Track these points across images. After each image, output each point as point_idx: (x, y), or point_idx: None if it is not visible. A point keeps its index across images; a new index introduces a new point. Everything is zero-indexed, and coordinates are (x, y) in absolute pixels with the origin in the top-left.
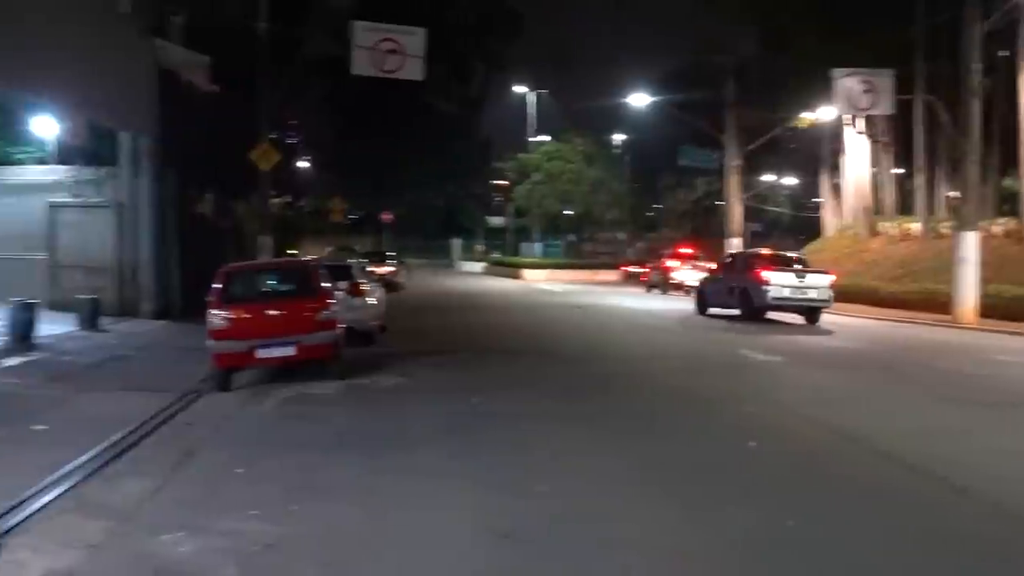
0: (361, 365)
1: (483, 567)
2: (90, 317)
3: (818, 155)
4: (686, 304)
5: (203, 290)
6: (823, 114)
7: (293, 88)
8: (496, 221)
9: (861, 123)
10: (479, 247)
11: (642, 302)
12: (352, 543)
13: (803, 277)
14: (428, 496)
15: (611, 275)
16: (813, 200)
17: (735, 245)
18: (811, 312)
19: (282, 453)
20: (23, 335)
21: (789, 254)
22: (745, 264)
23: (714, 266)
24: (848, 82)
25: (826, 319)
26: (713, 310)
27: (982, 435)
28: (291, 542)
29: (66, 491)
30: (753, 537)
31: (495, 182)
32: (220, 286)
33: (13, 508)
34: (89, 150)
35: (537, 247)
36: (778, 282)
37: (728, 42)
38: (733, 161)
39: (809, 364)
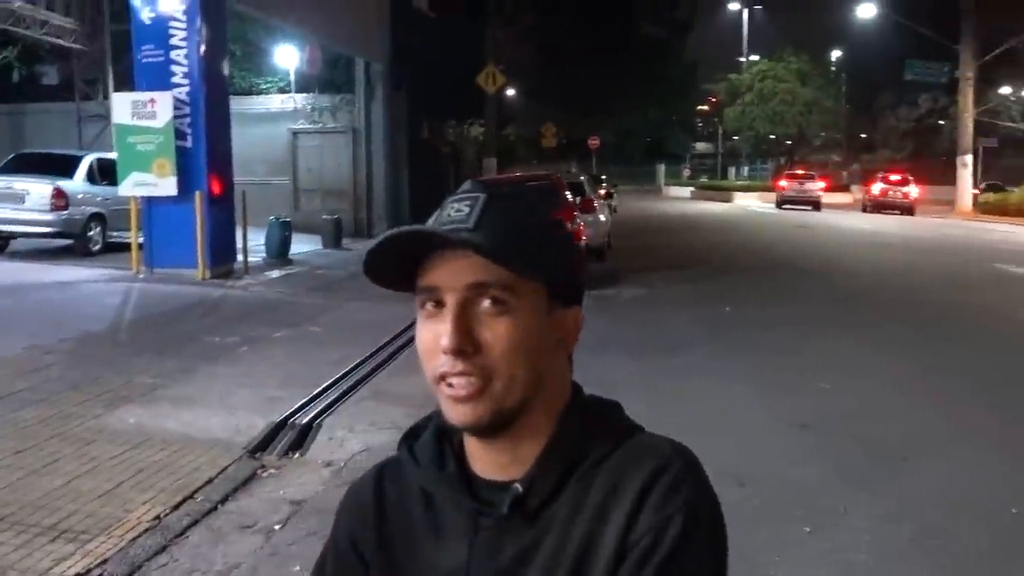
0: (600, 278)
1: (794, 448)
2: (334, 237)
3: None
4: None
5: (432, 211)
6: None
7: (504, 16)
8: (702, 147)
9: None
10: (686, 171)
11: (857, 220)
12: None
13: (803, 183)
14: (707, 391)
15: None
16: None
17: (967, 163)
18: (812, 204)
19: None
20: (282, 251)
21: (800, 171)
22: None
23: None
24: None
25: None
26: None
27: None
28: None
29: (360, 382)
30: None
31: (700, 107)
32: None
33: (319, 395)
34: (325, 78)
35: (746, 171)
36: (789, 187)
37: None
38: (967, 72)
39: None
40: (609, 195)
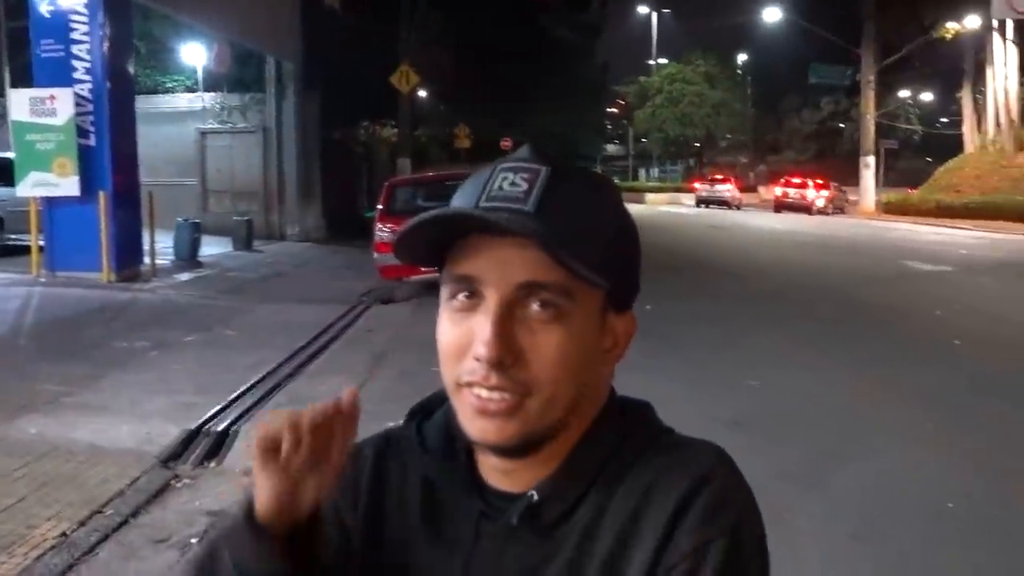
0: None
1: (729, 447)
2: (245, 238)
3: (958, 69)
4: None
5: (344, 213)
6: (969, 23)
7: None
8: (613, 148)
9: (1010, 31)
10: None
11: (769, 220)
12: None
13: (714, 185)
14: (635, 389)
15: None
16: (942, 120)
17: (870, 163)
18: (722, 204)
19: None
20: (191, 253)
21: (716, 176)
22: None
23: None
24: None
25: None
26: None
27: None
28: None
29: (277, 387)
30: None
31: (611, 109)
32: (386, 198)
33: (235, 400)
34: (234, 77)
35: (656, 172)
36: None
37: None
38: (869, 76)
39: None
40: None
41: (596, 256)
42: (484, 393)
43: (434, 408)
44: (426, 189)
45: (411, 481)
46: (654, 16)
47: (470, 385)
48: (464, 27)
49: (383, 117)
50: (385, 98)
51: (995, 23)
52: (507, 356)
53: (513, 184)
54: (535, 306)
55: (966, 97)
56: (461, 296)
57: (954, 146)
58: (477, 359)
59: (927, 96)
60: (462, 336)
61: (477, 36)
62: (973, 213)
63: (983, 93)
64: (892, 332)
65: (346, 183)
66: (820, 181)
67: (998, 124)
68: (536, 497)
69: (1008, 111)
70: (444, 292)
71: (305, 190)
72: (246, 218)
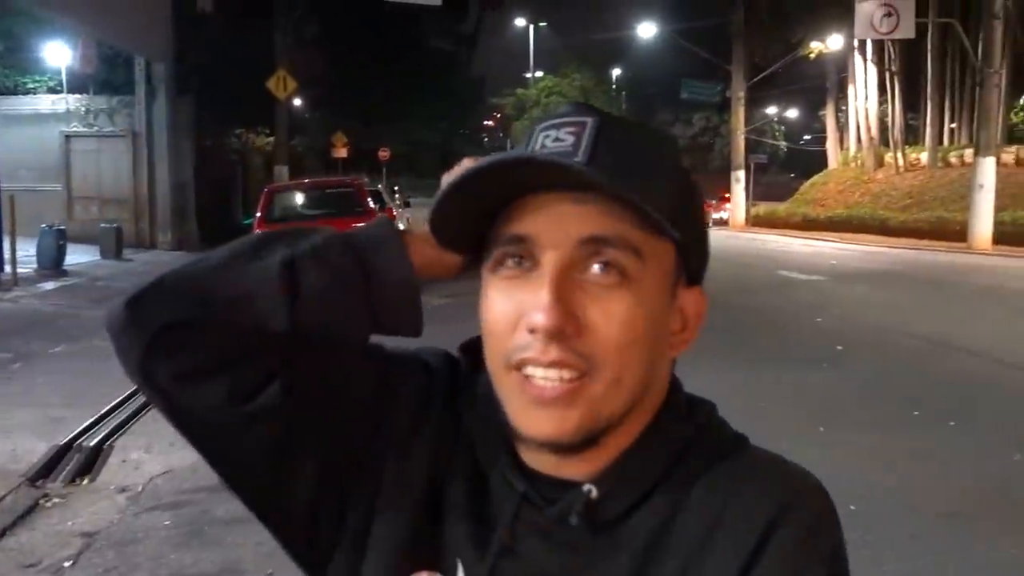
0: None
1: None
2: (114, 247)
3: (822, 87)
4: None
5: (218, 221)
6: (832, 43)
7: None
8: None
9: (870, 52)
10: None
11: None
12: None
13: None
14: None
15: None
16: (806, 137)
17: (740, 178)
18: None
19: None
20: (55, 261)
21: None
22: None
23: None
24: (868, 6)
25: (840, 249)
26: None
27: None
28: None
29: None
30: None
31: (487, 121)
32: (264, 205)
33: (109, 413)
34: (102, 78)
35: None
36: None
37: None
38: (739, 92)
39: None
40: (406, 204)
41: (663, 205)
42: (540, 373)
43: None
44: (307, 196)
45: (465, 439)
46: (531, 28)
47: (522, 366)
48: (341, 34)
49: (258, 124)
50: (260, 104)
51: (856, 43)
52: (568, 323)
53: (557, 140)
54: (597, 268)
55: (829, 115)
56: (510, 262)
57: (818, 162)
58: (532, 330)
59: (792, 113)
60: (512, 309)
61: (354, 44)
62: (837, 226)
63: (845, 111)
64: (778, 339)
65: (220, 190)
66: None
67: (859, 141)
68: (595, 493)
69: (868, 129)
70: (488, 263)
71: (178, 197)
72: (115, 225)
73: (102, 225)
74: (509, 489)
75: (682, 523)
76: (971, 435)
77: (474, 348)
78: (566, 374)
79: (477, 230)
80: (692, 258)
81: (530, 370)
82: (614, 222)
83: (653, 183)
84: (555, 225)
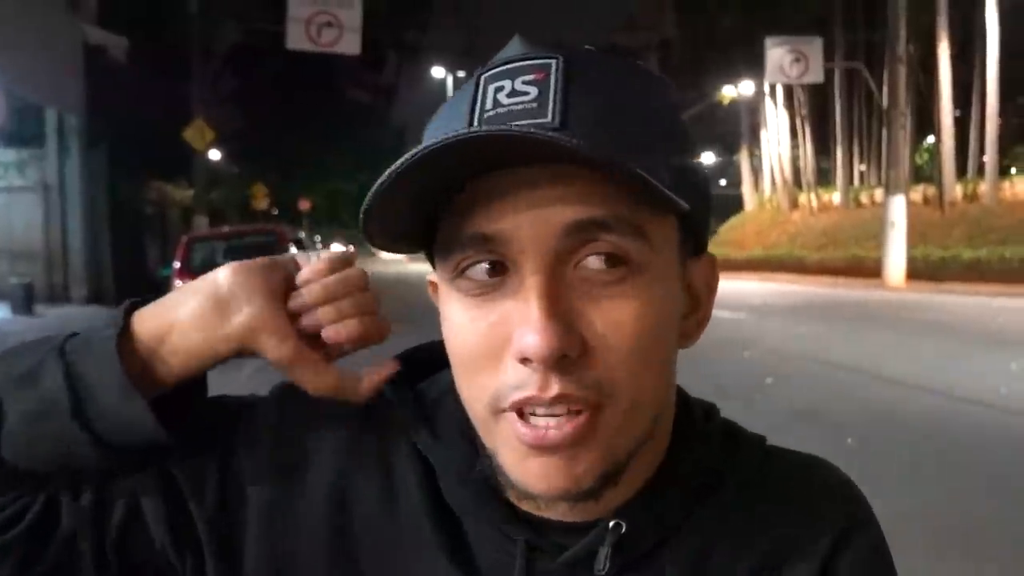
0: None
1: None
2: (24, 303)
3: (736, 132)
4: None
5: (135, 274)
6: (744, 89)
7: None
8: None
9: (780, 97)
10: None
11: None
12: None
13: None
14: None
15: None
16: (722, 181)
17: None
18: None
19: None
20: None
21: None
22: None
23: None
24: (777, 52)
25: (761, 288)
26: None
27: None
28: None
29: None
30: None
31: None
32: (183, 255)
33: None
34: (11, 130)
35: None
36: None
37: (648, 20)
38: None
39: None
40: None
41: (663, 168)
42: (540, 412)
43: (435, 368)
44: (227, 244)
45: (403, 466)
46: (449, 79)
47: (520, 409)
48: (258, 88)
49: (176, 176)
50: (177, 156)
51: (767, 88)
52: (570, 344)
53: (513, 93)
54: (594, 262)
55: (744, 159)
56: (479, 269)
57: (734, 205)
58: (523, 359)
59: (708, 158)
60: (490, 333)
61: (271, 98)
62: (756, 266)
63: (759, 155)
64: (709, 373)
65: (137, 243)
66: None
67: (774, 183)
68: (624, 528)
69: (782, 171)
70: (444, 275)
71: (92, 250)
72: (25, 280)
73: (12, 280)
74: (499, 535)
75: (722, 552)
76: (895, 460)
77: (415, 360)
78: (575, 408)
79: (424, 219)
80: (698, 225)
81: (529, 410)
82: (607, 198)
83: (650, 142)
84: (531, 214)
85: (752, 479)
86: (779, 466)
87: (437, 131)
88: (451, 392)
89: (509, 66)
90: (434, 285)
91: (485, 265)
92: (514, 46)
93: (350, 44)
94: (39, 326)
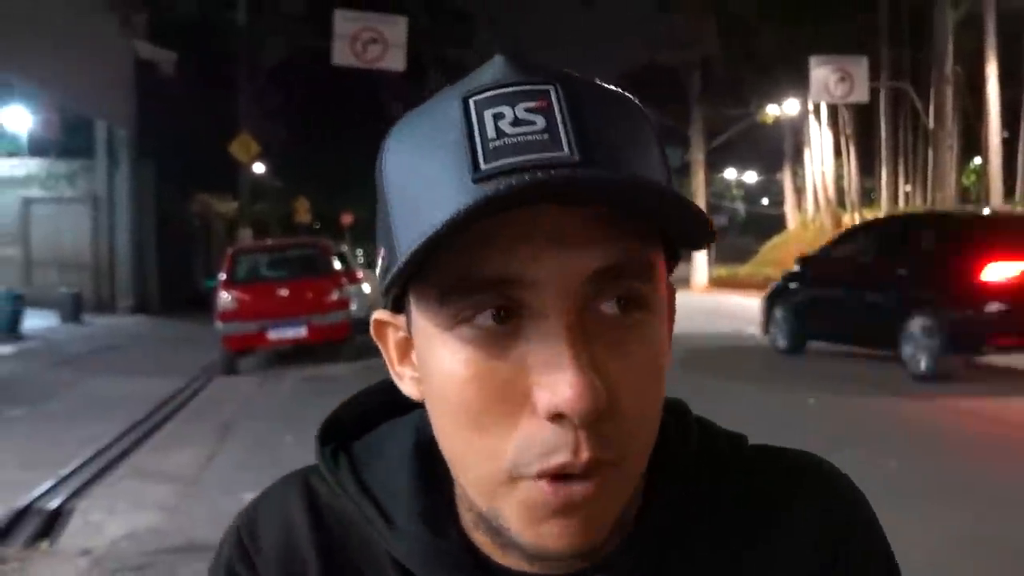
0: (369, 348)
1: None
2: (72, 311)
3: (779, 150)
4: None
5: (180, 285)
6: (788, 108)
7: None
8: None
9: (824, 116)
10: None
11: None
12: None
13: None
14: None
15: None
16: (765, 200)
17: None
18: None
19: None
20: (11, 325)
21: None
22: None
23: None
24: (822, 71)
25: None
26: None
27: None
28: None
29: (117, 460)
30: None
31: None
32: (229, 267)
33: (70, 476)
34: (63, 143)
35: None
36: None
37: (690, 38)
38: (699, 155)
39: None
40: (370, 266)
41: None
42: (570, 472)
43: (371, 425)
44: (271, 256)
45: (378, 565)
46: None
47: (544, 474)
48: (302, 103)
49: (220, 189)
50: (223, 170)
51: (811, 106)
52: (604, 399)
53: (517, 122)
54: (610, 309)
55: (787, 178)
56: (483, 318)
57: (777, 225)
58: (556, 417)
59: (750, 177)
60: (503, 389)
61: (315, 113)
62: None
63: (802, 174)
64: (756, 394)
65: (182, 254)
66: None
67: (817, 203)
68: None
69: (825, 190)
70: (437, 321)
71: (138, 262)
72: (74, 290)
73: (61, 290)
74: None
75: (717, 570)
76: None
77: (354, 420)
78: (601, 468)
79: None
80: (678, 253)
81: (558, 473)
82: (623, 237)
83: (657, 170)
84: (555, 254)
85: (740, 492)
86: (768, 469)
87: (423, 158)
88: (402, 447)
89: (504, 90)
90: (381, 325)
91: (493, 311)
92: (498, 66)
93: (395, 60)
94: (85, 334)
